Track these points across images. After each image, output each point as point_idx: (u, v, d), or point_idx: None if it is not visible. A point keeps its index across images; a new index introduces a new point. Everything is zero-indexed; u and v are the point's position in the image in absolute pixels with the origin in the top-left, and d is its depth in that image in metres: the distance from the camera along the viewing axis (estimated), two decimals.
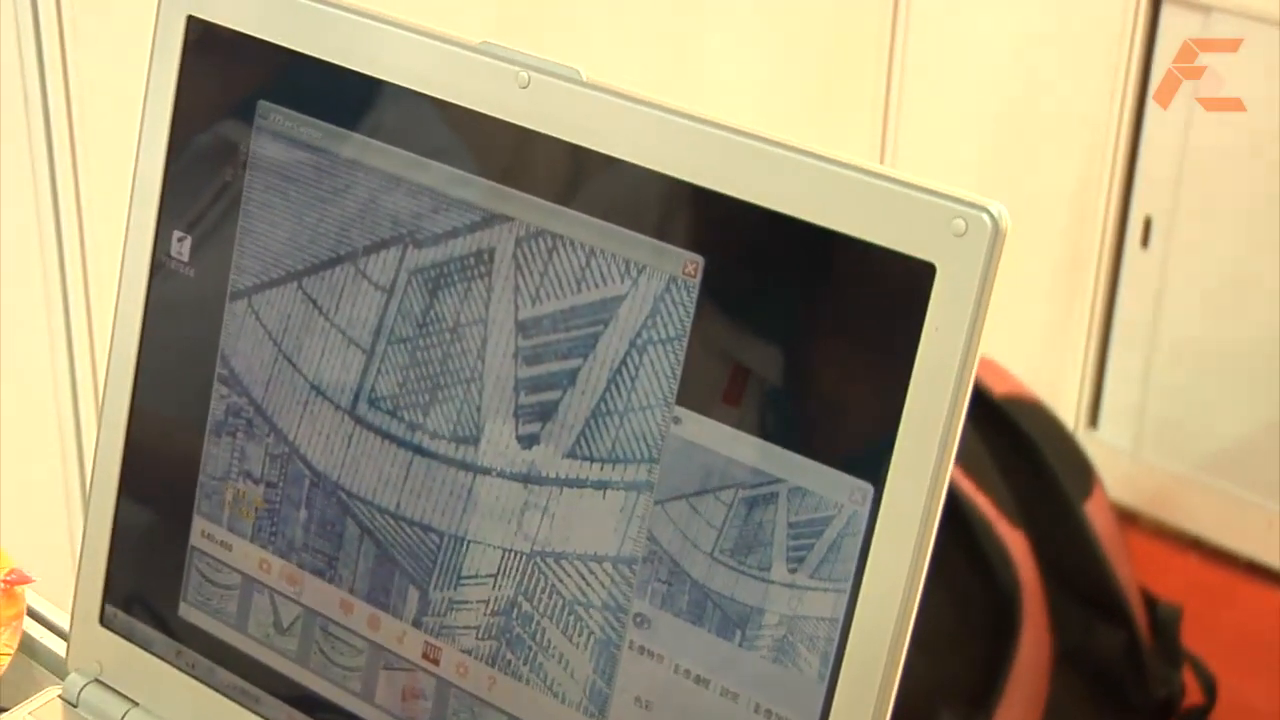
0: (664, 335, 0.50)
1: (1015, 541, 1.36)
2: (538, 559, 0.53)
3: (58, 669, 0.65)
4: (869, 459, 0.47)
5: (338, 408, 0.56)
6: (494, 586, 0.53)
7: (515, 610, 0.53)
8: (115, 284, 0.60)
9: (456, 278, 0.53)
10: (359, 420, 0.56)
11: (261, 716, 0.59)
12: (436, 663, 0.55)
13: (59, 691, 0.62)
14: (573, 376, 0.51)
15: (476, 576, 0.54)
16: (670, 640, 0.50)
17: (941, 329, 0.45)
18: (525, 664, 0.53)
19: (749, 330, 0.49)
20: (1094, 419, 1.86)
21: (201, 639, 0.60)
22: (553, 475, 0.52)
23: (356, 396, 0.56)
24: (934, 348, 0.46)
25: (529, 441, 0.52)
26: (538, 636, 0.53)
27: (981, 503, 1.36)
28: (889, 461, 0.46)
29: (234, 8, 0.57)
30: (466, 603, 0.54)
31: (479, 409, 0.53)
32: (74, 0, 1.02)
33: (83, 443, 1.11)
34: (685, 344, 0.50)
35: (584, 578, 0.52)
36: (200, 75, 0.58)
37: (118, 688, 0.62)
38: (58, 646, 0.66)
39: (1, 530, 0.87)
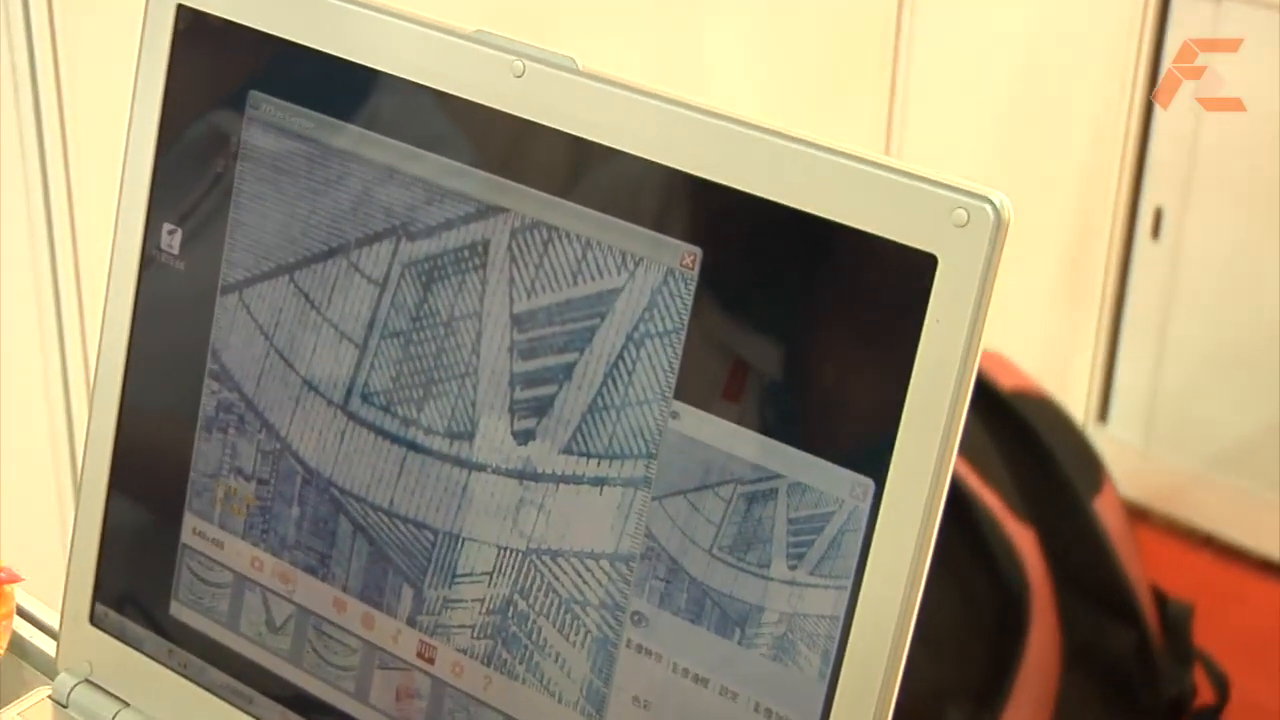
0: (661, 328, 0.50)
1: (1023, 538, 1.36)
2: (534, 557, 0.53)
3: (48, 669, 0.65)
4: (870, 454, 0.47)
5: (330, 403, 0.56)
6: (489, 584, 0.53)
7: (511, 609, 0.53)
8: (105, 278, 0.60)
9: (450, 270, 0.53)
10: (352, 416, 0.56)
11: (254, 717, 0.59)
12: (431, 662, 0.55)
13: (49, 692, 0.62)
14: (569, 371, 0.51)
15: (472, 574, 0.54)
16: (669, 639, 0.50)
17: (943, 321, 0.45)
18: (521, 663, 0.53)
19: (748, 323, 0.49)
20: (1104, 413, 1.86)
21: (193, 638, 0.60)
22: (549, 471, 0.52)
23: (349, 391, 0.56)
24: (935, 340, 0.45)
25: (524, 437, 0.52)
26: (534, 635, 0.53)
27: (989, 499, 1.36)
28: (890, 456, 0.46)
29: None
30: (462, 601, 0.54)
31: (473, 404, 0.53)
32: None
33: (74, 440, 1.11)
34: (683, 337, 0.50)
35: (581, 576, 0.52)
36: (190, 65, 0.58)
37: (108, 688, 0.62)
38: (48, 646, 0.66)
39: None
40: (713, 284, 0.49)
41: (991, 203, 0.45)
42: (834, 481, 0.47)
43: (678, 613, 0.50)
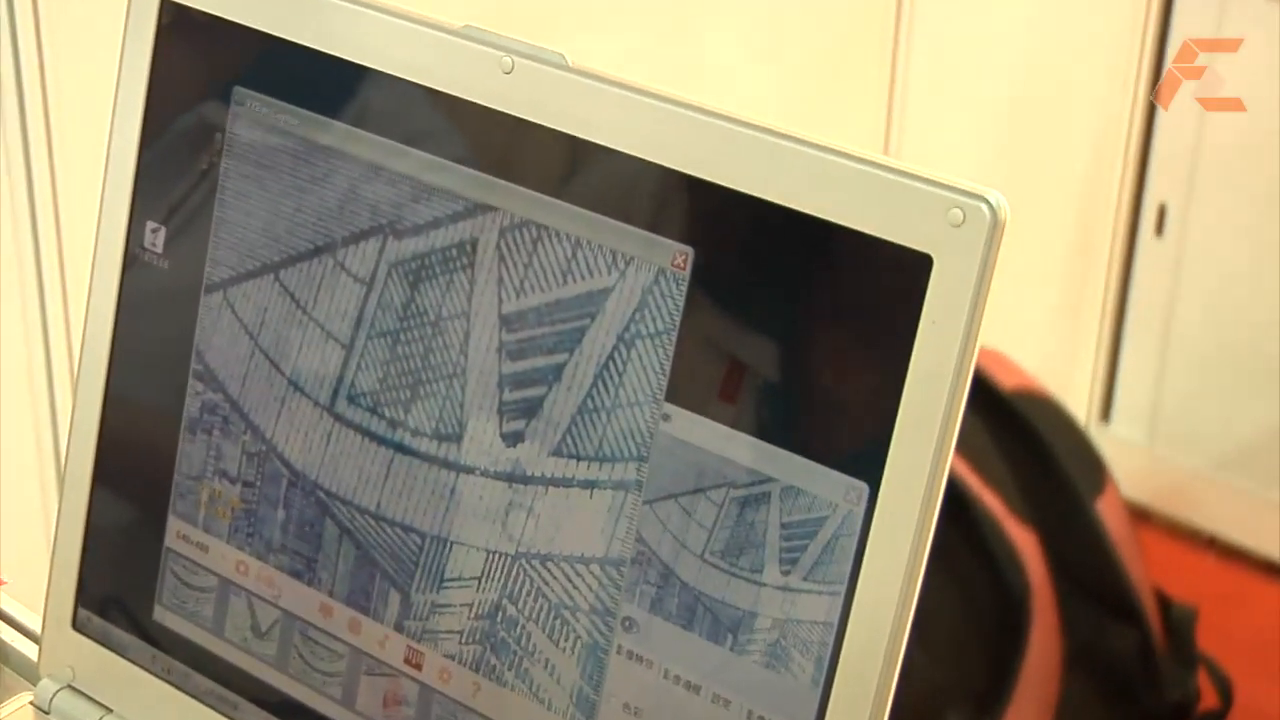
0: (652, 329, 0.50)
1: (1024, 540, 1.36)
2: (523, 561, 0.52)
3: (30, 674, 0.65)
4: (864, 457, 0.47)
5: (316, 404, 0.56)
6: (478, 589, 0.53)
7: (500, 614, 0.53)
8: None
9: (438, 270, 0.53)
10: (338, 417, 0.55)
11: None
12: (419, 668, 0.55)
13: (30, 698, 0.62)
14: (558, 372, 0.51)
15: (460, 579, 0.54)
16: (660, 645, 0.50)
17: (939, 323, 0.45)
18: (510, 669, 0.53)
19: (740, 324, 0.49)
20: (1106, 413, 1.86)
21: (177, 643, 0.60)
22: (538, 474, 0.52)
23: (335, 393, 0.55)
24: (931, 342, 0.45)
25: (513, 439, 0.52)
26: (523, 641, 0.53)
27: (990, 500, 1.36)
28: (885, 460, 0.46)
29: None
30: (449, 606, 0.54)
31: (462, 406, 0.53)
32: None
33: (58, 442, 1.11)
34: (674, 338, 0.49)
35: (570, 580, 0.52)
36: (174, 61, 0.58)
37: (91, 694, 0.62)
38: (30, 651, 0.66)
39: None
40: (704, 284, 0.49)
41: (987, 202, 0.44)
42: (828, 485, 0.47)
43: (669, 618, 0.50)
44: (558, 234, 0.51)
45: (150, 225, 0.59)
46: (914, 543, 0.46)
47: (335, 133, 0.55)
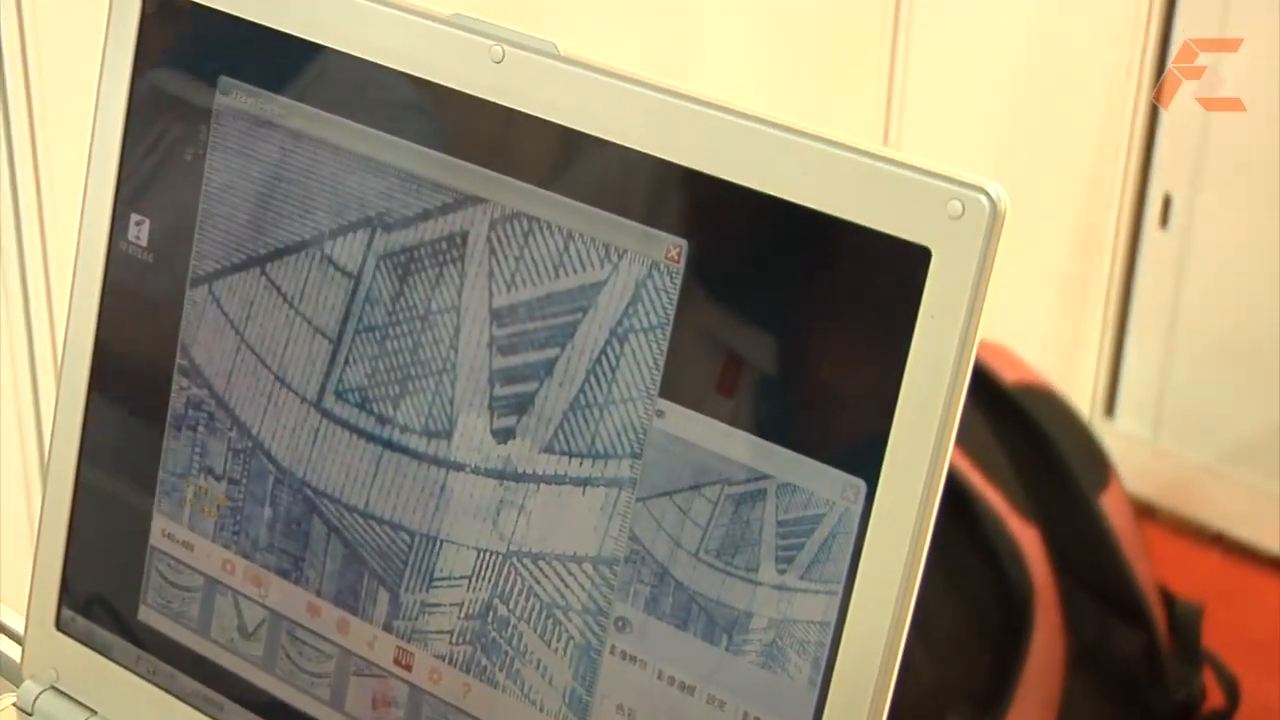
0: (646, 324, 0.50)
1: (1027, 537, 1.36)
2: (514, 560, 0.52)
3: (13, 675, 0.65)
4: (862, 454, 0.47)
5: (303, 400, 0.56)
6: (468, 589, 0.53)
7: (491, 614, 0.53)
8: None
9: (427, 263, 0.53)
10: (326, 413, 0.55)
11: None
12: (409, 669, 0.55)
13: (14, 699, 0.62)
14: (550, 367, 0.51)
15: (450, 578, 0.54)
16: (654, 645, 0.50)
17: (937, 316, 0.45)
18: (501, 670, 0.53)
19: (735, 319, 0.49)
20: (1110, 407, 1.86)
21: (162, 644, 0.60)
22: (529, 471, 0.52)
23: (323, 388, 0.55)
24: (929, 336, 0.45)
25: (504, 436, 0.52)
26: (514, 641, 0.53)
27: (991, 496, 1.36)
28: (883, 456, 0.46)
29: None
30: (440, 606, 0.54)
31: (452, 401, 0.53)
32: None
33: (42, 439, 1.11)
34: (668, 333, 0.49)
35: (563, 579, 0.52)
36: (159, 50, 0.58)
37: (75, 695, 0.61)
38: (13, 652, 0.66)
39: None
40: (699, 277, 0.49)
41: (987, 193, 0.44)
42: (825, 482, 0.47)
43: (663, 618, 0.50)
44: (549, 226, 0.51)
45: (134, 217, 0.59)
46: (913, 541, 0.46)
47: (322, 123, 0.55)
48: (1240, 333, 1.76)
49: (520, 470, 0.52)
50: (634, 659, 0.51)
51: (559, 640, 0.52)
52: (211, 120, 0.57)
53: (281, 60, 0.56)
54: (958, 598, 1.34)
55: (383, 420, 0.54)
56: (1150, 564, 1.43)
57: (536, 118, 0.51)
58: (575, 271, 0.51)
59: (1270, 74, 1.60)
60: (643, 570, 0.50)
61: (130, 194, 0.59)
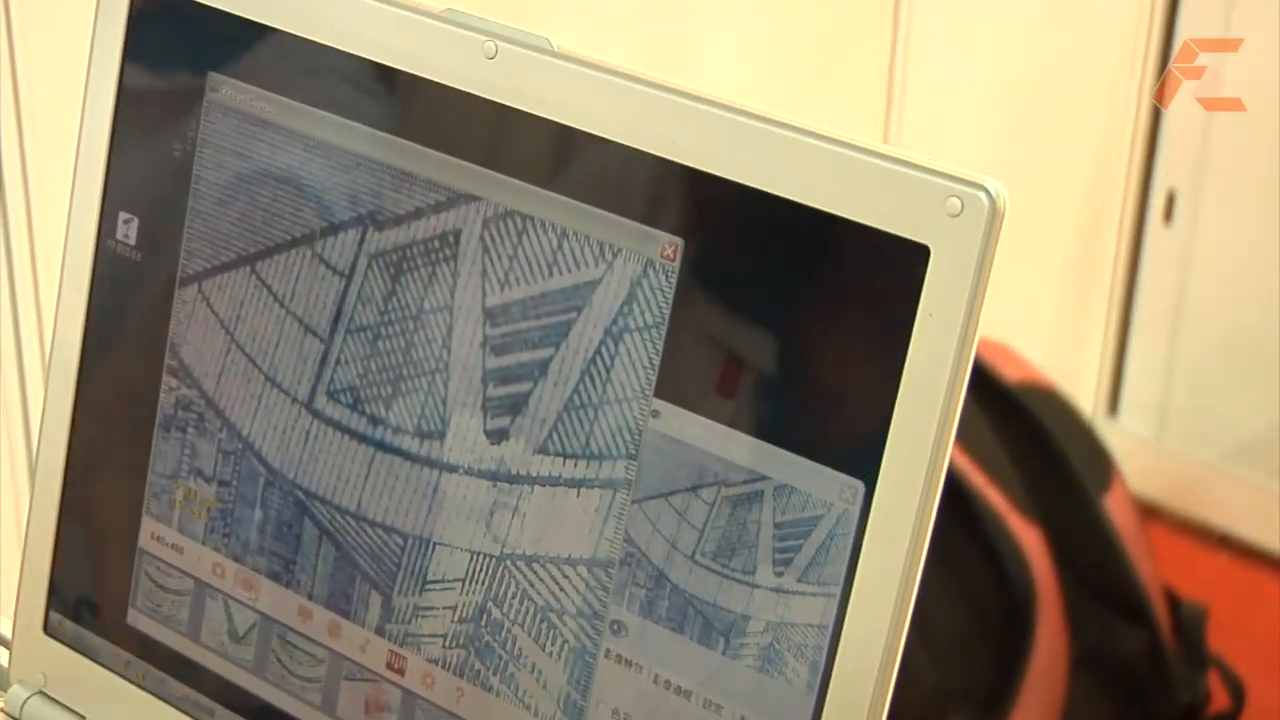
0: (641, 323, 0.50)
1: (1029, 537, 1.36)
2: (508, 562, 0.52)
3: (0, 680, 0.65)
4: (860, 454, 0.47)
5: (294, 401, 0.56)
6: (462, 592, 0.53)
7: (484, 617, 0.53)
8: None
9: (420, 261, 0.53)
10: (317, 414, 0.55)
11: None
12: (401, 673, 0.55)
13: (0, 705, 0.62)
14: (544, 367, 0.51)
15: (443, 581, 0.54)
16: (649, 649, 0.50)
17: (936, 315, 0.45)
18: (495, 674, 0.53)
19: (731, 318, 0.49)
20: (1114, 406, 1.86)
21: (152, 648, 0.60)
22: (523, 472, 0.52)
23: (314, 389, 0.55)
24: (928, 335, 0.45)
25: (498, 436, 0.52)
26: (508, 645, 0.53)
27: (993, 496, 1.36)
28: (881, 457, 0.46)
29: None
30: (433, 609, 0.54)
31: (444, 402, 0.53)
32: None
33: (31, 440, 1.11)
34: (664, 332, 0.49)
35: (557, 582, 0.52)
36: (148, 46, 0.58)
37: (63, 700, 0.61)
38: (0, 656, 0.66)
39: None
40: (695, 276, 0.49)
41: (986, 190, 0.44)
42: (822, 483, 0.47)
43: (659, 621, 0.50)
44: (543, 224, 0.51)
45: (123, 216, 0.59)
46: (912, 542, 0.46)
47: (313, 120, 0.55)
48: (1246, 330, 1.76)
49: (514, 472, 0.52)
50: (629, 663, 0.51)
51: (553, 644, 0.52)
52: (200, 117, 0.57)
53: (271, 56, 0.56)
54: (959, 598, 1.34)
55: (375, 421, 0.54)
56: (1154, 564, 1.43)
57: (530, 114, 0.51)
58: (569, 270, 0.51)
59: (1276, 66, 1.60)
60: (638, 573, 0.50)
61: (118, 192, 0.59)
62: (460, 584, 0.53)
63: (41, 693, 0.62)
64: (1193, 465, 1.81)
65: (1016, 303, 1.67)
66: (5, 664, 0.64)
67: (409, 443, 0.54)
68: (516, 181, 0.51)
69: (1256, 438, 1.78)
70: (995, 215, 0.44)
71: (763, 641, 0.48)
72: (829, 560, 0.47)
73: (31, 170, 1.06)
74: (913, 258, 0.45)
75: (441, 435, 0.53)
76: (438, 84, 0.52)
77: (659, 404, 0.50)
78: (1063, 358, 1.79)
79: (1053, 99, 1.72)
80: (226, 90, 0.56)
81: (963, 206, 0.44)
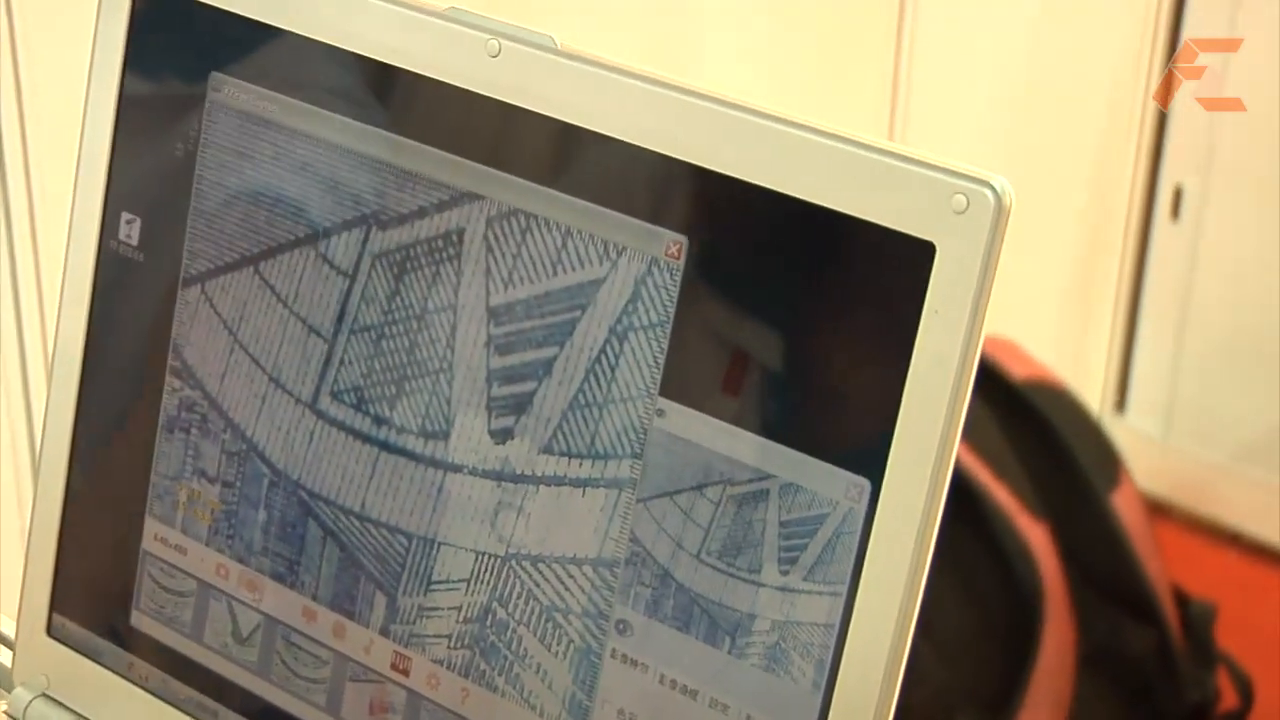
0: (646, 321, 0.50)
1: (1037, 535, 1.36)
2: (513, 562, 0.52)
3: (4, 682, 0.65)
4: (865, 453, 0.47)
5: (298, 401, 0.56)
6: (466, 592, 0.53)
7: (489, 617, 0.53)
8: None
9: (423, 261, 0.53)
10: (321, 415, 0.55)
11: None
12: (406, 674, 0.55)
13: (4, 707, 0.62)
14: (548, 366, 0.51)
15: (448, 581, 0.54)
16: (655, 648, 0.50)
17: (942, 312, 0.45)
18: (500, 675, 0.53)
19: (736, 316, 0.49)
20: (1121, 404, 1.86)
21: (155, 650, 0.60)
22: (528, 472, 0.52)
23: (318, 389, 0.55)
24: (934, 332, 0.45)
25: (502, 436, 0.52)
26: (513, 645, 0.53)
27: (1000, 494, 1.36)
28: (887, 455, 0.46)
29: None
30: (437, 609, 0.54)
31: (449, 402, 0.53)
32: None
33: (34, 442, 1.11)
34: (668, 331, 0.49)
35: (562, 582, 0.52)
36: (150, 45, 0.58)
37: (67, 702, 0.61)
38: (3, 658, 0.66)
39: None
40: (699, 274, 0.49)
41: (992, 187, 0.44)
42: (828, 482, 0.47)
43: (664, 621, 0.50)
44: (547, 223, 0.51)
45: (125, 216, 0.59)
46: (918, 541, 0.46)
47: (316, 119, 0.55)
48: (1254, 327, 1.76)
49: (519, 471, 0.52)
50: (635, 662, 0.51)
51: (559, 644, 0.52)
52: (203, 116, 0.57)
53: (274, 55, 0.56)
54: (966, 597, 1.34)
55: (379, 421, 0.54)
56: (1162, 562, 1.43)
57: (534, 112, 0.51)
58: (574, 269, 0.51)
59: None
60: (644, 572, 0.50)
61: (121, 192, 0.59)
62: (465, 584, 0.53)
63: (45, 695, 0.62)
64: (1201, 463, 1.81)
65: (1023, 300, 1.67)
66: (9, 666, 0.64)
67: (413, 443, 0.54)
68: (520, 180, 0.51)
69: (1265, 435, 1.78)
70: (1001, 212, 0.44)
71: (769, 641, 0.48)
72: (835, 559, 0.47)
73: (34, 171, 1.06)
74: (918, 255, 0.45)
75: (446, 435, 0.53)
76: (441, 82, 0.52)
77: (664, 403, 0.50)
78: (1069, 355, 1.79)
79: (1058, 95, 1.72)
80: (229, 90, 0.56)
81: (968, 204, 0.44)
